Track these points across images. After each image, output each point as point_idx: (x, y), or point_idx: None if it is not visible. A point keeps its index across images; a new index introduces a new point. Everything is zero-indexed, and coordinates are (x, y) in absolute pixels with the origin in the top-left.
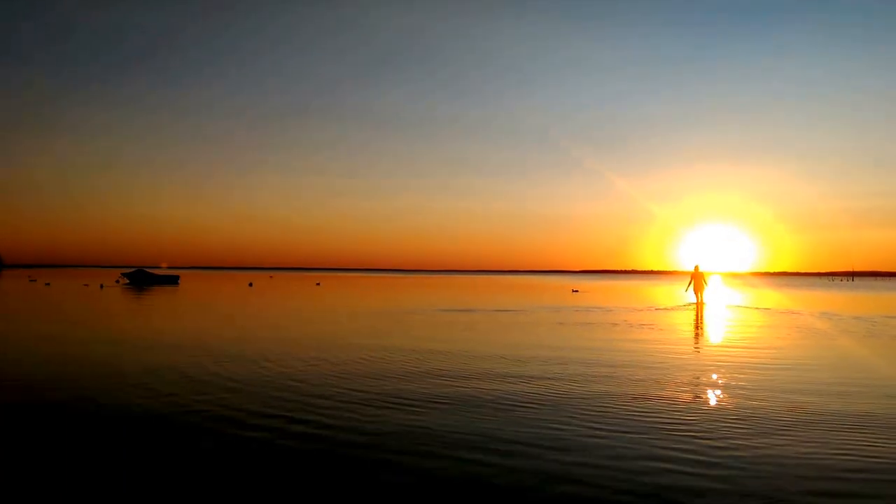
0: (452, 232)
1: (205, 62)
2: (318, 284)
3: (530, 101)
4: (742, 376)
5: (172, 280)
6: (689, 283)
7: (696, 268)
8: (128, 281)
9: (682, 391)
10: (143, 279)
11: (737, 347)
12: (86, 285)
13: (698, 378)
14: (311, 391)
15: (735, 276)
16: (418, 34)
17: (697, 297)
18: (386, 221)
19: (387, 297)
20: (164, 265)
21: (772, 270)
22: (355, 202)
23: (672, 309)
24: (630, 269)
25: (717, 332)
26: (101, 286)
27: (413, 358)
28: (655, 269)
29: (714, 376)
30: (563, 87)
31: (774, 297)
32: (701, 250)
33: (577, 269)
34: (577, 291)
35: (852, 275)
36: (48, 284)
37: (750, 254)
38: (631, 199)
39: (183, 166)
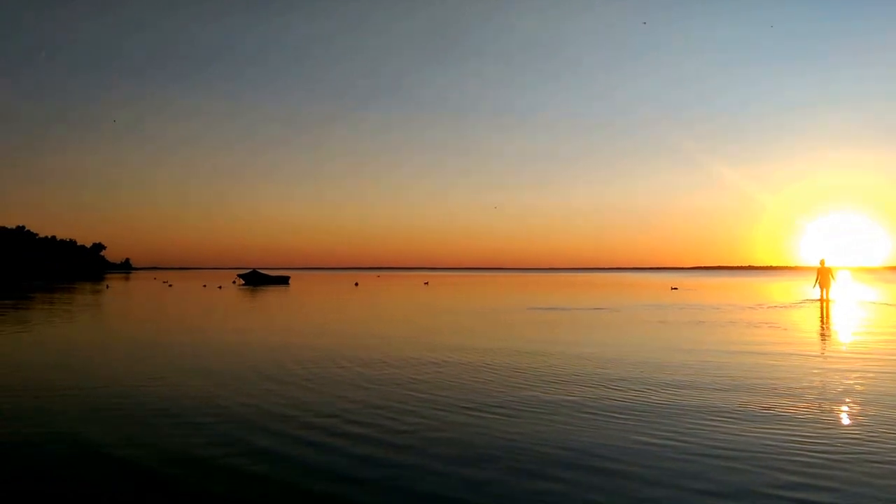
0: (552, 229)
1: (298, 67)
2: (426, 284)
3: (629, 90)
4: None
5: (283, 280)
6: (816, 279)
7: (822, 262)
8: (243, 282)
9: (819, 402)
10: (257, 280)
11: (874, 351)
12: (204, 286)
13: (836, 386)
14: (387, 393)
15: (867, 271)
16: (510, 29)
17: (823, 293)
18: (490, 219)
19: (486, 295)
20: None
21: None
22: (467, 201)
23: (788, 306)
24: (739, 265)
25: (849, 331)
26: (220, 287)
27: (503, 360)
28: (770, 264)
29: (855, 385)
30: (662, 73)
31: None
32: (826, 243)
33: (680, 266)
34: (676, 289)
35: None
36: (170, 285)
37: (885, 246)
38: (739, 189)
39: (300, 172)
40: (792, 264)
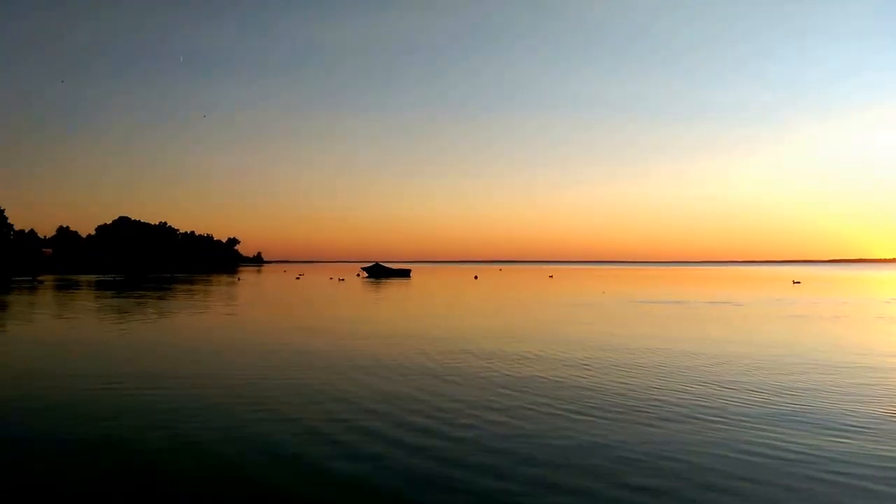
0: (683, 220)
1: (427, 65)
2: (550, 277)
3: (756, 76)
4: None
5: (405, 273)
6: None
7: None
8: (367, 274)
9: None
10: (379, 272)
11: None
12: (331, 278)
13: None
14: (509, 385)
15: None
16: (633, 24)
17: None
18: (615, 210)
19: (607, 288)
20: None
21: None
22: (590, 191)
23: None
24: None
25: None
26: (341, 279)
27: (623, 357)
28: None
29: None
30: (790, 59)
31: None
32: None
33: (795, 259)
34: (798, 283)
35: None
36: (298, 277)
37: None
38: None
39: (417, 168)
40: None
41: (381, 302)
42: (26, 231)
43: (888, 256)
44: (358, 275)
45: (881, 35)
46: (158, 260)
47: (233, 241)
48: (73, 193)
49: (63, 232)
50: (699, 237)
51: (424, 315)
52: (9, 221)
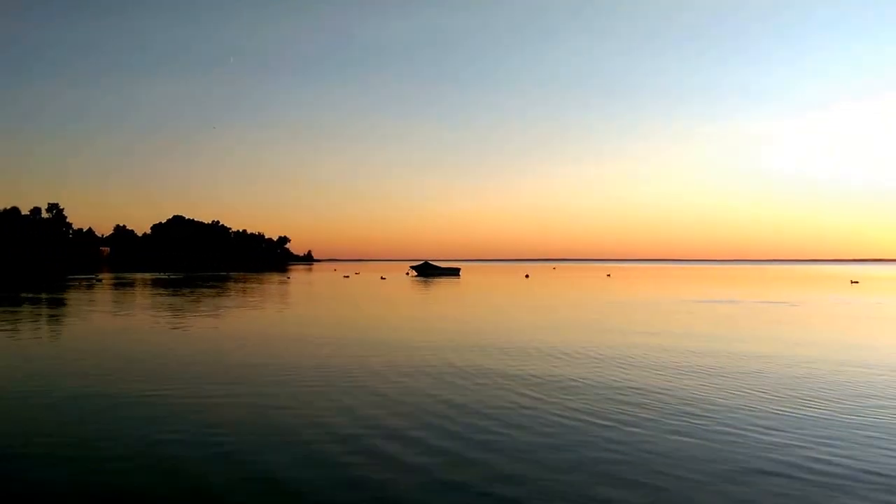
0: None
1: (466, 63)
2: (608, 276)
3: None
4: None
5: (454, 272)
6: None
7: None
8: (416, 273)
9: None
10: (428, 271)
11: None
12: (382, 278)
13: None
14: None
15: None
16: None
17: None
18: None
19: (662, 287)
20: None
21: None
22: (633, 187)
23: None
24: None
25: None
26: (382, 278)
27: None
28: None
29: None
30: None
31: None
32: None
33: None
34: (857, 282)
35: None
36: (353, 274)
37: None
38: None
39: (469, 167)
40: None
41: (425, 303)
42: (84, 230)
43: None
44: (407, 273)
45: None
46: (211, 258)
47: (283, 240)
48: (130, 192)
49: (120, 231)
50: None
51: (470, 317)
52: (68, 220)
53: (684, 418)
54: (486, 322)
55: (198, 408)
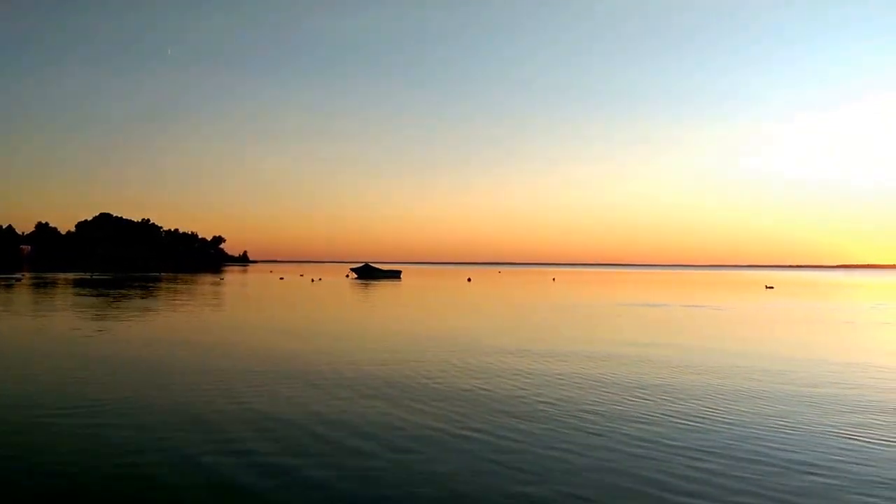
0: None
1: (408, 63)
2: (553, 280)
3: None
4: None
5: (395, 275)
6: None
7: None
8: (356, 275)
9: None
10: (369, 273)
11: None
12: (313, 280)
13: None
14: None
15: None
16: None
17: None
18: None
19: (602, 291)
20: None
21: None
22: (591, 193)
23: None
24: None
25: None
26: (312, 280)
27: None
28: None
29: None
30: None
31: None
32: None
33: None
34: (771, 287)
35: None
36: (282, 278)
37: None
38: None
39: (416, 169)
40: None
41: (359, 305)
42: (4, 227)
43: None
44: (347, 276)
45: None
46: (141, 258)
47: (218, 240)
48: (54, 189)
49: (42, 228)
50: (710, 240)
51: (396, 318)
52: None
53: (561, 426)
54: (397, 325)
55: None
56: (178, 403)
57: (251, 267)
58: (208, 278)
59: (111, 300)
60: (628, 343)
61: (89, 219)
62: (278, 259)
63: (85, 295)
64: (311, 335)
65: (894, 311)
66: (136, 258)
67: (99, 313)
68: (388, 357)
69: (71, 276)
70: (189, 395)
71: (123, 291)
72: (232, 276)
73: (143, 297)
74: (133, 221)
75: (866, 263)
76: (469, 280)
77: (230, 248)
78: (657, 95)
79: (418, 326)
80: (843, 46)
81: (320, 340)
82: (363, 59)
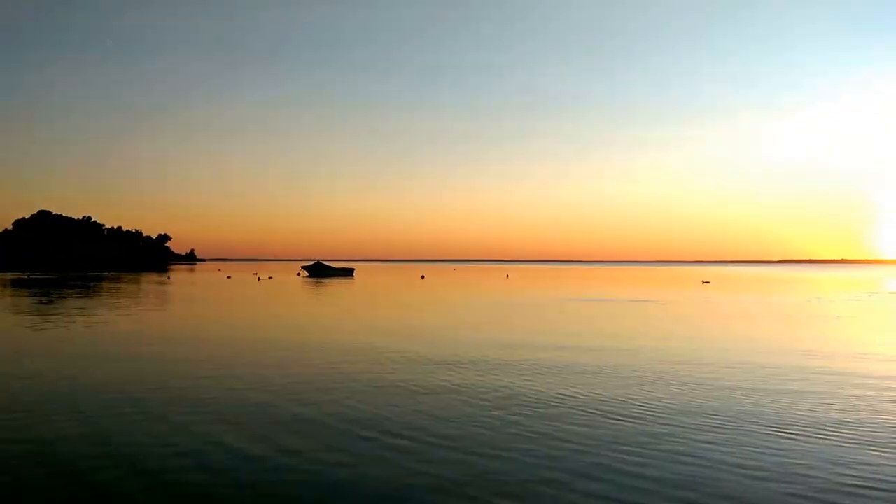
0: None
1: (360, 62)
2: (507, 276)
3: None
4: None
5: (348, 273)
6: None
7: None
8: (307, 274)
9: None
10: (321, 272)
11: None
12: (259, 278)
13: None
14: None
15: None
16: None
17: None
18: (557, 213)
19: (552, 287)
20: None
21: None
22: (545, 191)
23: (852, 299)
24: (805, 258)
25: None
26: (259, 278)
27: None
28: (843, 258)
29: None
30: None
31: None
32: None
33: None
34: (708, 282)
35: None
36: (229, 277)
37: None
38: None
39: (369, 166)
40: (870, 257)
41: (302, 305)
42: None
43: (837, 257)
44: (298, 274)
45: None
46: (83, 257)
47: (164, 238)
48: None
49: None
50: (657, 237)
51: (341, 317)
52: None
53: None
54: (331, 324)
55: None
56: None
57: (199, 266)
58: (153, 278)
59: (42, 302)
60: (565, 335)
61: (27, 217)
62: (227, 258)
63: (15, 296)
64: (236, 342)
65: (816, 303)
66: (77, 257)
67: (26, 317)
68: (316, 357)
69: (8, 276)
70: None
71: (61, 291)
72: (177, 275)
73: (79, 298)
74: (74, 219)
75: (808, 258)
76: (422, 277)
77: (177, 246)
78: (603, 98)
79: (356, 325)
80: (782, 52)
81: (245, 348)
82: (314, 58)
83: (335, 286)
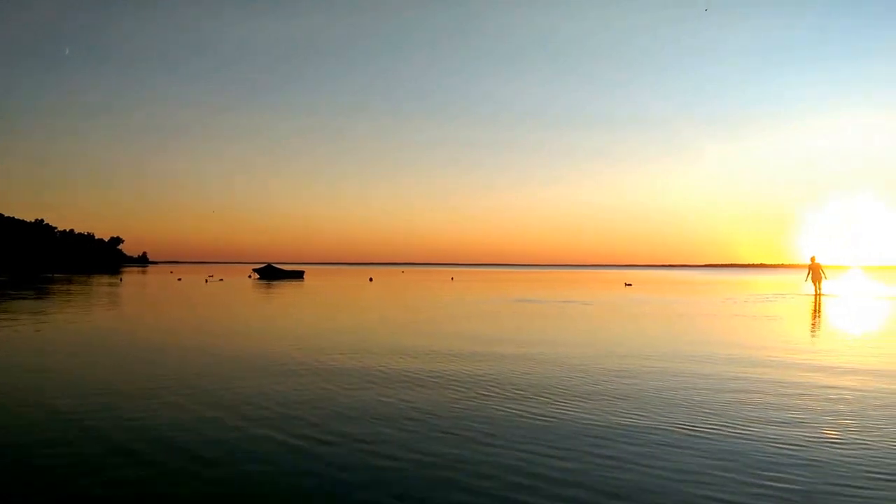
0: (559, 225)
1: (313, 66)
2: (452, 279)
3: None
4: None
5: (298, 275)
6: (808, 274)
7: (813, 259)
8: (258, 276)
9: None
10: (272, 274)
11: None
12: (206, 280)
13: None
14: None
15: (879, 269)
16: (544, 31)
17: (816, 287)
18: (503, 218)
19: (492, 289)
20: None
21: None
22: (499, 196)
23: (761, 300)
24: (731, 263)
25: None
26: (207, 280)
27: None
28: (764, 262)
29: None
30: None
31: None
32: (825, 241)
33: (678, 264)
34: (630, 285)
35: None
36: (180, 279)
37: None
38: (735, 186)
39: (323, 169)
40: (788, 262)
41: (253, 306)
42: None
43: (765, 262)
44: (249, 276)
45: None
46: (34, 259)
47: (116, 241)
48: None
49: None
50: (601, 241)
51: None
52: None
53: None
54: (252, 326)
55: None
56: None
57: (151, 268)
58: (104, 279)
59: None
60: (498, 335)
61: None
62: (180, 260)
63: None
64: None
65: (729, 304)
66: (27, 259)
67: None
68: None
69: None
70: None
71: (5, 292)
72: (128, 276)
73: (20, 300)
74: (25, 221)
75: (730, 262)
76: (371, 280)
77: (129, 248)
78: (525, 105)
79: (291, 326)
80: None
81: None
82: (262, 62)
83: (287, 288)
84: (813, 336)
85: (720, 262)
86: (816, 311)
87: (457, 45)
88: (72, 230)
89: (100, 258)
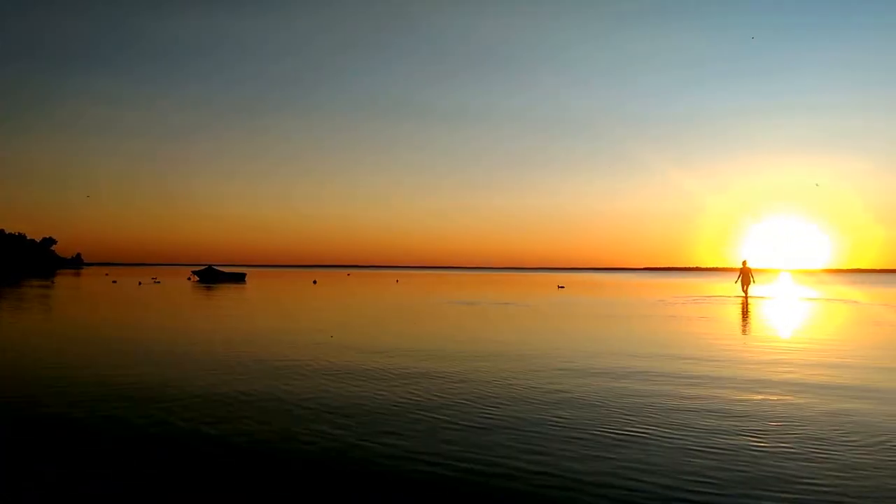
0: (507, 229)
1: (251, 62)
2: (397, 282)
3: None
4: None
5: (239, 278)
6: (738, 277)
7: (744, 263)
8: (198, 279)
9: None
10: (212, 277)
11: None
12: (143, 282)
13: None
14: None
15: (807, 273)
16: (476, 35)
17: (745, 290)
18: (454, 220)
19: (433, 291)
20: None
21: (853, 267)
22: (427, 200)
23: (690, 301)
24: (684, 266)
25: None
26: (140, 283)
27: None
28: (712, 265)
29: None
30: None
31: (845, 291)
32: (757, 246)
33: (626, 267)
34: (563, 287)
35: None
36: (115, 282)
37: (827, 250)
38: (685, 192)
39: (271, 170)
40: (731, 265)
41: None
42: None
43: (713, 265)
44: (189, 278)
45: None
46: None
47: (48, 241)
48: None
49: None
50: (543, 244)
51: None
52: None
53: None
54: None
55: None
56: None
57: (85, 270)
58: (35, 282)
59: None
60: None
61: None
62: (117, 261)
63: None
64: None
65: (659, 306)
66: None
67: None
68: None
69: None
70: None
71: None
72: (60, 279)
73: None
74: None
75: (669, 266)
76: (315, 282)
77: (62, 249)
78: (497, 115)
79: (228, 328)
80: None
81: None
82: (205, 61)
83: (227, 291)
84: (724, 336)
85: (674, 266)
86: (745, 313)
87: (395, 45)
88: (1, 230)
89: (32, 260)
